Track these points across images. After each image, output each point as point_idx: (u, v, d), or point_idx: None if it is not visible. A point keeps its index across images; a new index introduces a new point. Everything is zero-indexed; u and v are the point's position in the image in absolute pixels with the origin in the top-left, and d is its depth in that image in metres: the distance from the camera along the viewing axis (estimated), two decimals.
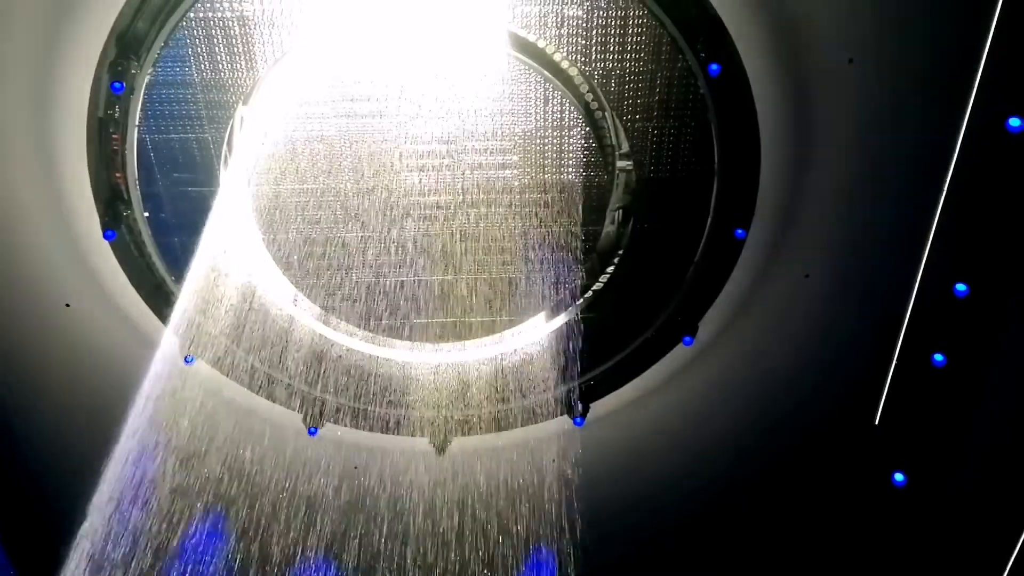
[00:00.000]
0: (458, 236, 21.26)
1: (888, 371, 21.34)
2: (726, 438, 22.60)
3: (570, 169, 21.10)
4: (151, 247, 20.47)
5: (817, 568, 22.87)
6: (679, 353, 21.68)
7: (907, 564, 21.55)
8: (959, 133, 17.48)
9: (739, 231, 19.94)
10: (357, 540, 22.77)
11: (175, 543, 21.71)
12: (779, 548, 23.21)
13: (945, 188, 18.19)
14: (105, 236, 19.73)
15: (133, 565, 20.62)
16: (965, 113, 17.35)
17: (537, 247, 21.75)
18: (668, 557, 23.45)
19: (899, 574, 21.83)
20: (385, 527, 22.80)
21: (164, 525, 21.30)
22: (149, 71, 18.64)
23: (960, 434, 19.76)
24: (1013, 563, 18.74)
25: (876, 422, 21.57)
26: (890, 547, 21.89)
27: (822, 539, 22.87)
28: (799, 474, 22.72)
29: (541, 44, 19.11)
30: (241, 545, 22.49)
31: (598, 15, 18.42)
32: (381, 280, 21.45)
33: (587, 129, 20.50)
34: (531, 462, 22.64)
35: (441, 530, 23.09)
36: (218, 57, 18.76)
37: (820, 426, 22.28)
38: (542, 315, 22.45)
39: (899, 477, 20.95)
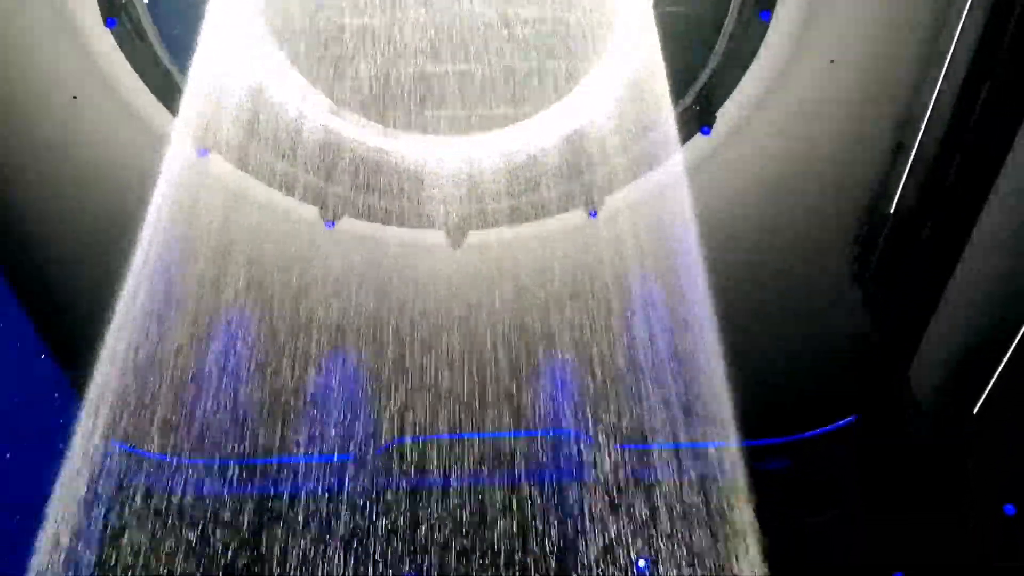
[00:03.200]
0: (473, 23, 20.46)
1: (908, 160, 21.17)
2: (742, 232, 22.67)
3: None
4: (152, 35, 19.84)
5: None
6: (698, 144, 21.39)
7: None
8: None
9: (764, 13, 19.12)
10: (373, 331, 23.35)
11: (198, 337, 22.35)
12: (782, 340, 23.78)
13: None
14: (106, 24, 19.07)
15: (158, 358, 21.32)
16: None
17: (551, 36, 21.01)
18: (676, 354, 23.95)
19: None
20: (402, 320, 23.34)
21: (187, 319, 21.83)
22: None
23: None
24: None
25: (891, 211, 21.61)
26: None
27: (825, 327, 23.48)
28: (813, 268, 22.99)
29: None
30: (262, 339, 23.12)
31: None
32: (394, 70, 20.86)
33: None
34: (546, 255, 22.88)
35: (457, 323, 23.65)
36: None
37: (838, 219, 22.34)
38: (559, 106, 21.98)
39: None
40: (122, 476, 21.52)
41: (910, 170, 21.03)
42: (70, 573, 19.84)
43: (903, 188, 21.31)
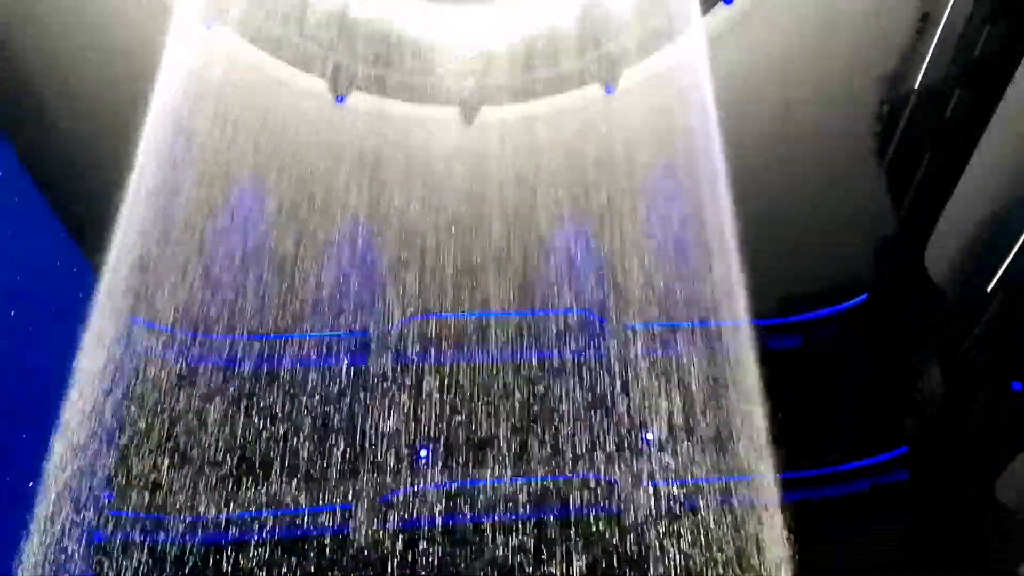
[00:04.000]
0: None
1: (935, 33, 20.47)
2: (762, 108, 22.16)
3: None
4: None
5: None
6: (719, 15, 20.69)
7: None
8: None
9: None
10: (384, 207, 23.19)
11: (208, 214, 22.27)
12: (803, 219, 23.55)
13: None
14: None
15: (173, 235, 21.33)
16: None
17: None
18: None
19: None
20: (412, 194, 23.15)
21: (197, 197, 21.71)
22: None
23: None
24: None
25: (916, 86, 21.02)
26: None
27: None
28: (833, 146, 22.52)
29: None
30: (271, 215, 23.03)
31: None
32: None
33: None
34: (561, 132, 22.49)
35: (469, 201, 23.46)
36: None
37: (860, 95, 21.78)
38: None
39: None
40: (147, 351, 21.86)
41: (937, 44, 20.33)
42: (96, 437, 20.37)
43: (928, 62, 20.67)
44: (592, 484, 23.33)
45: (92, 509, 20.30)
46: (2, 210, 20.74)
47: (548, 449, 23.63)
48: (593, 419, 23.62)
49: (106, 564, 21.23)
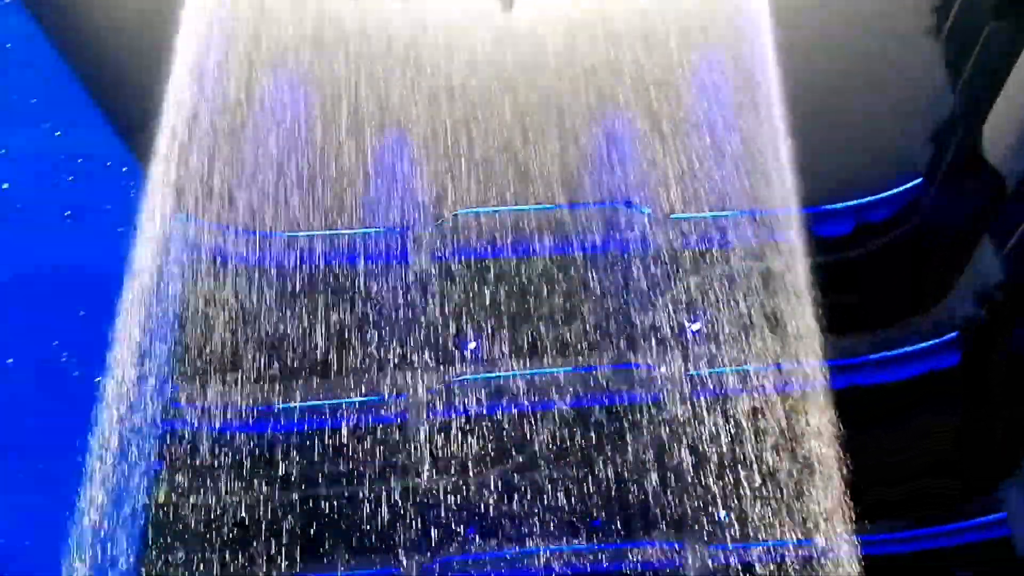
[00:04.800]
0: None
1: None
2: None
3: None
4: None
5: None
6: None
7: None
8: None
9: None
10: (422, 103, 22.88)
11: (249, 111, 22.19)
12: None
13: None
14: None
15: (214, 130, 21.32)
16: None
17: None
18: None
19: None
20: (451, 90, 22.76)
21: (237, 91, 21.60)
22: None
23: None
24: None
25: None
26: None
27: None
28: (890, 21, 21.58)
29: None
30: (311, 112, 22.88)
31: None
32: None
33: None
34: (602, 15, 21.79)
35: (510, 92, 23.02)
36: None
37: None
38: None
39: None
40: (193, 247, 22.20)
41: None
42: (150, 331, 20.93)
43: None
44: (637, 373, 23.54)
45: (155, 401, 21.07)
46: (49, 111, 21.03)
47: (592, 340, 23.81)
48: (638, 310, 23.67)
49: (170, 454, 22.11)
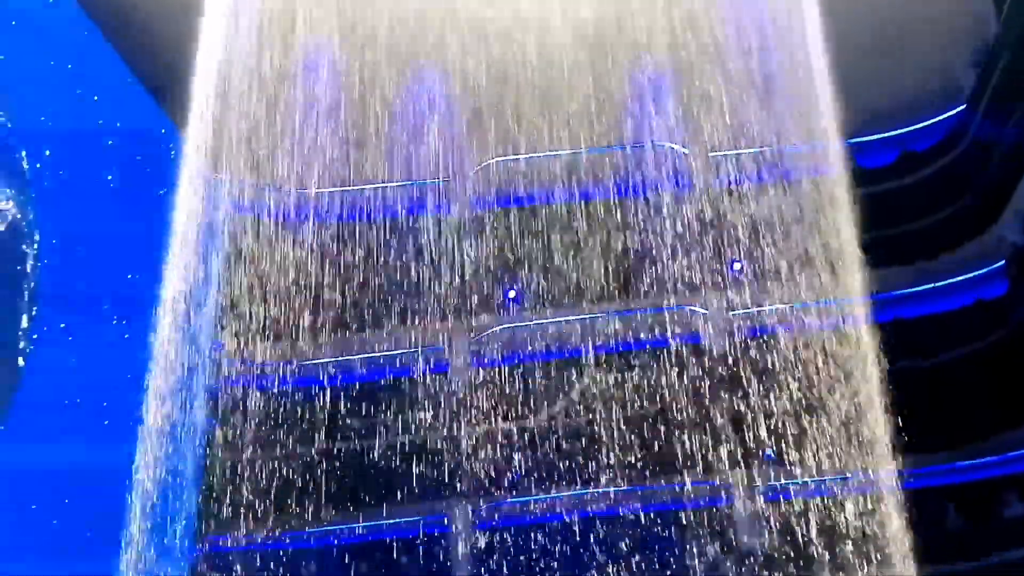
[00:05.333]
0: None
1: None
2: None
3: None
4: None
5: None
6: None
7: None
8: None
9: None
10: (459, 49, 22.60)
11: (287, 67, 22.07)
12: None
13: None
14: None
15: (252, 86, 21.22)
16: None
17: None
18: None
19: None
20: (486, 35, 22.46)
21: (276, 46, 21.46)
22: None
23: None
24: None
25: None
26: None
27: None
28: None
29: None
30: (349, 62, 22.71)
31: None
32: None
33: None
34: None
35: (546, 32, 22.70)
36: None
37: None
38: None
39: None
40: (234, 206, 22.29)
41: None
42: (194, 294, 21.15)
43: None
44: (681, 316, 23.46)
45: (204, 360, 21.37)
46: (87, 80, 21.11)
47: (638, 283, 23.73)
48: (682, 251, 23.49)
49: (221, 411, 22.47)
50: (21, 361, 20.27)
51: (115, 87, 22.18)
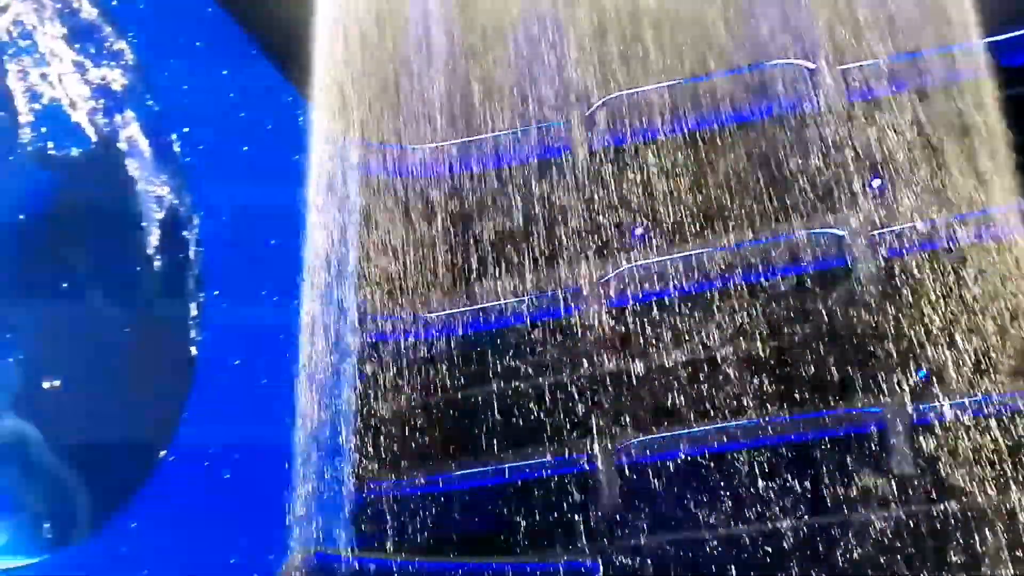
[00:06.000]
0: None
1: None
2: None
3: None
4: None
5: None
6: None
7: None
8: None
9: None
10: None
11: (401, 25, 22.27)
12: None
13: None
14: None
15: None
16: None
17: None
18: None
19: None
20: None
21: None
22: None
23: None
24: None
25: None
26: None
27: None
28: None
29: None
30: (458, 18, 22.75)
31: None
32: None
33: None
34: None
35: None
36: None
37: None
38: None
39: None
40: (364, 166, 22.81)
41: None
42: (335, 255, 21.88)
43: None
44: (823, 239, 22.73)
45: (350, 318, 22.22)
46: (212, 52, 21.79)
47: (769, 209, 23.07)
48: (816, 171, 22.67)
49: (369, 365, 23.34)
50: (194, 351, 21.35)
51: (240, 60, 22.86)
